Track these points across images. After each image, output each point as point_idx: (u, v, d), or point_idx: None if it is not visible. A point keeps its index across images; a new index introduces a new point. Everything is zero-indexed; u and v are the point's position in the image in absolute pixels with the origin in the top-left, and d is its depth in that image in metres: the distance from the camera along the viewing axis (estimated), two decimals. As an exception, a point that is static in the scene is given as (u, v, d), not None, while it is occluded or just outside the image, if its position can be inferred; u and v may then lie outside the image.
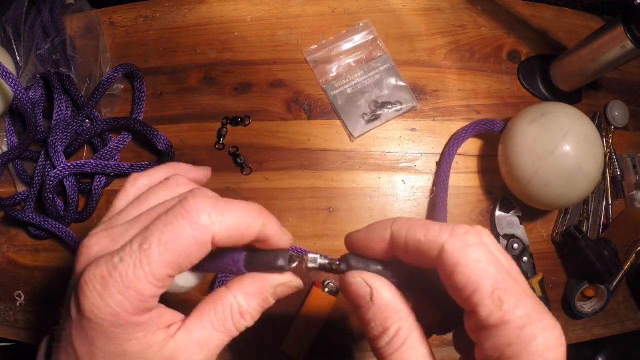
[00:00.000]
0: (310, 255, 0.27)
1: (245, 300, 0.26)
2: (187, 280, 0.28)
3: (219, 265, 0.27)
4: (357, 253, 0.27)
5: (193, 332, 0.25)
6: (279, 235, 0.26)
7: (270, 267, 0.26)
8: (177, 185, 0.28)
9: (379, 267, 0.26)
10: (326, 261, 0.27)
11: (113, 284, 0.22)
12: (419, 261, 0.24)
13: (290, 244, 0.28)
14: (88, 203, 0.51)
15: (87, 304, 0.22)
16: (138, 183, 0.29)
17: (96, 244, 0.25)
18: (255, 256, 0.27)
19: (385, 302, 0.24)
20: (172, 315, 0.25)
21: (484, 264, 0.22)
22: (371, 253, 0.26)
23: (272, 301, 0.27)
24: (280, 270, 0.26)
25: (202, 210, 0.23)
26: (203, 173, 0.33)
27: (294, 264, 0.27)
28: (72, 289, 0.23)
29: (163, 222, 0.23)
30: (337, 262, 0.27)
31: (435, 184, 0.54)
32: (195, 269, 0.27)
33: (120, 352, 0.23)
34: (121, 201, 0.28)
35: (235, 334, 0.26)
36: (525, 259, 0.52)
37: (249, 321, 0.26)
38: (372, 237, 0.26)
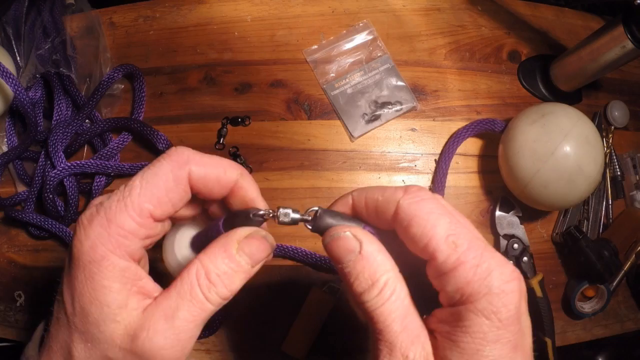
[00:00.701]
0: (282, 210, 0.27)
1: (211, 262, 0.24)
2: (187, 258, 0.28)
3: (209, 237, 0.27)
4: (328, 209, 0.28)
5: (159, 304, 0.24)
6: (255, 194, 0.28)
7: (245, 223, 0.27)
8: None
9: (352, 220, 0.27)
10: (298, 215, 0.27)
11: (97, 218, 0.23)
12: (378, 221, 0.26)
13: (266, 207, 0.28)
14: (88, 203, 0.51)
15: (74, 241, 0.23)
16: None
17: (96, 200, 0.26)
18: (231, 215, 0.27)
19: (374, 254, 0.24)
20: (153, 287, 0.25)
21: (437, 215, 0.24)
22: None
23: (244, 263, 0.25)
24: (256, 225, 0.27)
25: (181, 151, 0.25)
26: None
27: (266, 217, 0.27)
28: None
29: (148, 165, 0.25)
30: (309, 216, 0.27)
31: (432, 181, 0.54)
32: (195, 248, 0.27)
33: (93, 298, 0.23)
34: None
35: (207, 305, 0.24)
36: (525, 259, 0.52)
37: (220, 287, 0.24)
38: (335, 205, 0.28)
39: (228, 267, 0.25)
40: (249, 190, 0.28)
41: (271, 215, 0.27)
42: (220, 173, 0.26)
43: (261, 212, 0.27)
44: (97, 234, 0.23)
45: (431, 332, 0.24)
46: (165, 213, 0.25)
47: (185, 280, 0.24)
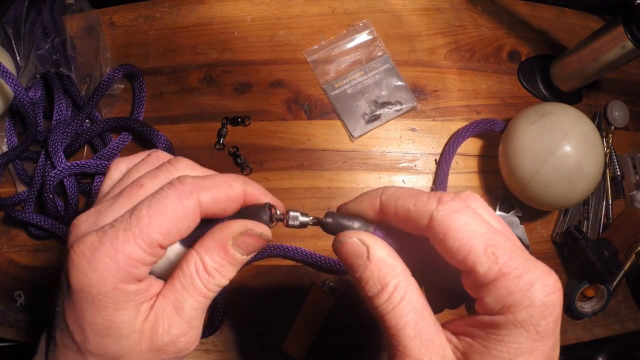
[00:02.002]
0: (292, 213, 0.27)
1: (207, 255, 0.25)
2: (179, 256, 0.28)
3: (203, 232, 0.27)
4: (340, 212, 0.28)
5: (167, 297, 0.25)
6: (265, 195, 0.27)
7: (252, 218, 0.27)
8: (158, 159, 0.28)
9: (363, 224, 0.27)
10: (307, 219, 0.27)
11: (102, 248, 0.22)
12: (409, 228, 0.25)
13: (281, 206, 0.28)
14: (88, 203, 0.51)
15: (74, 271, 0.22)
16: (121, 167, 0.29)
17: (84, 220, 0.25)
18: (238, 214, 0.27)
19: (382, 259, 0.24)
20: (158, 286, 0.25)
21: (473, 225, 0.23)
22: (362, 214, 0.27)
23: (239, 255, 0.26)
24: (266, 222, 0.27)
25: (185, 181, 0.24)
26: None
27: (275, 222, 0.27)
28: (63, 264, 0.24)
29: (153, 195, 0.24)
30: (320, 218, 0.27)
31: (434, 182, 0.54)
32: (190, 243, 0.27)
33: (107, 324, 0.23)
34: (106, 185, 0.29)
35: (209, 293, 0.25)
36: (525, 259, 0.52)
37: (218, 278, 0.25)
38: (361, 207, 0.27)
39: (224, 260, 0.25)
40: (259, 195, 0.27)
41: (280, 218, 0.27)
42: (227, 191, 0.26)
43: (270, 215, 0.27)
44: (104, 265, 0.22)
45: (457, 335, 0.24)
46: (173, 241, 0.25)
47: (186, 273, 0.25)
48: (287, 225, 0.27)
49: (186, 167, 0.27)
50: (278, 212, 0.27)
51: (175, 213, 0.24)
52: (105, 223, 0.24)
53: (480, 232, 0.23)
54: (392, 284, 0.23)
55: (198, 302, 0.25)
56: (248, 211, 0.27)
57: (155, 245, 0.23)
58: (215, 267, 0.25)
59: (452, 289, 0.26)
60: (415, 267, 0.25)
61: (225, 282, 0.26)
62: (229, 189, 0.26)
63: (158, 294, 0.25)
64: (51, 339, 0.25)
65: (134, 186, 0.25)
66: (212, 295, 0.26)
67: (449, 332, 0.24)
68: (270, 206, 0.27)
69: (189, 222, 0.24)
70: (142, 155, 0.30)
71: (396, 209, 0.25)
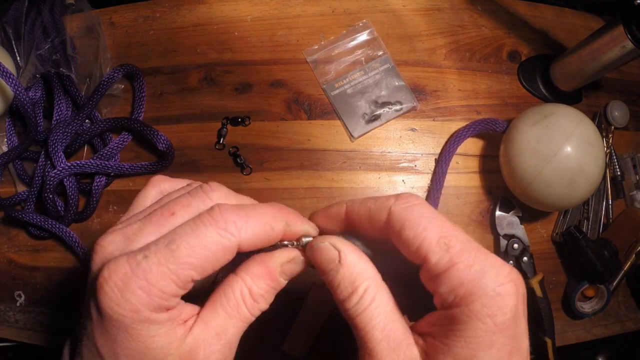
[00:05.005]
0: (304, 239, 0.28)
1: (254, 283, 0.26)
2: None
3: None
4: (351, 233, 0.28)
5: (209, 323, 0.25)
6: (303, 230, 0.27)
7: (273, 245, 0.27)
8: (202, 190, 0.27)
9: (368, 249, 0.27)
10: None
11: (135, 280, 0.22)
12: (372, 229, 0.26)
13: (317, 233, 0.29)
14: (88, 203, 0.51)
15: (107, 301, 0.22)
16: (160, 186, 0.29)
17: (110, 242, 0.25)
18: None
19: (353, 263, 0.25)
20: (190, 310, 0.25)
21: (428, 218, 0.24)
22: (329, 228, 0.29)
23: (283, 281, 0.27)
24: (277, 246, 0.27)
25: (227, 218, 0.24)
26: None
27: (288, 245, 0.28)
28: (90, 287, 0.23)
29: (190, 226, 0.23)
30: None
31: (432, 180, 0.54)
32: None
33: (142, 350, 0.23)
34: (140, 201, 0.28)
35: (251, 319, 0.26)
36: (525, 259, 0.52)
37: (262, 304, 0.26)
38: (328, 215, 0.28)
39: (270, 287, 0.26)
40: (296, 233, 0.27)
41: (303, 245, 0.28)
42: (268, 232, 0.25)
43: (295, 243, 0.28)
44: (138, 297, 0.22)
45: (422, 336, 0.24)
46: (206, 275, 0.24)
47: (231, 299, 0.25)
48: (301, 247, 0.28)
49: (220, 197, 0.26)
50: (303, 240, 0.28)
51: (215, 254, 0.23)
52: (133, 248, 0.24)
53: (435, 224, 0.24)
54: (362, 287, 0.24)
55: (240, 328, 0.26)
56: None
57: (188, 281, 0.23)
58: (260, 294, 0.26)
59: (419, 295, 0.27)
60: (387, 274, 0.25)
61: (266, 306, 0.27)
62: (270, 231, 0.25)
63: (196, 317, 0.25)
64: (77, 356, 0.25)
65: (165, 213, 0.25)
66: (253, 320, 0.26)
67: (416, 334, 0.24)
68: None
69: (226, 261, 0.24)
70: (186, 181, 0.29)
71: (359, 210, 0.26)
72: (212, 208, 0.24)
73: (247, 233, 0.24)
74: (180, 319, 0.24)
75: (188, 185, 0.28)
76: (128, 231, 0.25)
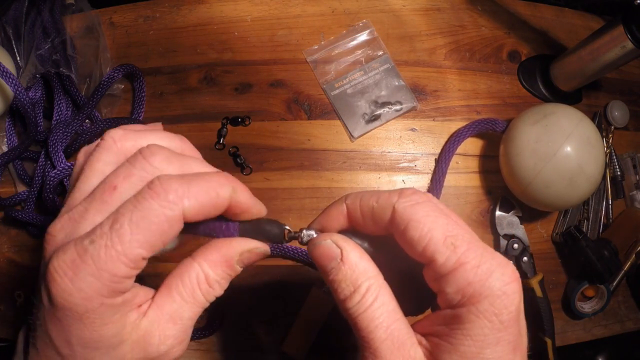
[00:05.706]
0: (305, 232, 0.28)
1: (211, 269, 0.25)
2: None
3: (207, 229, 0.27)
4: (351, 231, 0.28)
5: (163, 307, 0.25)
6: (251, 202, 0.26)
7: (268, 236, 0.27)
8: (115, 143, 0.26)
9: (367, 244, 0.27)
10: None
11: (84, 267, 0.21)
12: (375, 227, 0.26)
13: (264, 213, 0.28)
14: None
15: (57, 290, 0.22)
16: (117, 145, 0.27)
17: (60, 229, 0.24)
18: (249, 225, 0.27)
19: (355, 261, 0.24)
20: (144, 294, 0.25)
21: (433, 217, 0.24)
22: (330, 227, 0.28)
23: (239, 268, 0.26)
24: (278, 241, 0.27)
25: (168, 187, 0.23)
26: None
27: (290, 240, 0.27)
28: (42, 277, 0.23)
29: (132, 202, 0.22)
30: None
31: (431, 180, 0.54)
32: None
33: (96, 337, 0.23)
34: (75, 174, 0.27)
35: (206, 304, 0.26)
36: (525, 259, 0.52)
37: (217, 290, 0.26)
38: (330, 215, 0.28)
39: (226, 274, 0.26)
40: (245, 206, 0.26)
41: (295, 236, 0.27)
42: (214, 199, 0.24)
43: (286, 233, 0.27)
44: (88, 284, 0.21)
45: (425, 336, 0.24)
46: (156, 251, 0.24)
47: (187, 284, 0.25)
48: (302, 243, 0.28)
49: (162, 161, 0.25)
50: (292, 232, 0.28)
51: (160, 226, 0.22)
52: (82, 232, 0.23)
53: (440, 224, 0.23)
54: (364, 286, 0.24)
55: (195, 313, 0.25)
56: (261, 224, 0.27)
57: (139, 259, 0.22)
58: (217, 280, 0.26)
59: (420, 292, 0.26)
60: (387, 272, 0.25)
61: (222, 292, 0.26)
62: (215, 197, 0.24)
63: (150, 301, 0.25)
64: (31, 346, 0.25)
65: (106, 188, 0.24)
66: (207, 306, 0.26)
67: (418, 334, 0.24)
68: (287, 229, 0.28)
69: (173, 233, 0.23)
70: (142, 126, 0.28)
71: (361, 208, 0.26)
72: (152, 181, 0.23)
73: (191, 201, 0.23)
74: (134, 303, 0.24)
75: (101, 140, 0.26)
76: (74, 214, 0.24)
